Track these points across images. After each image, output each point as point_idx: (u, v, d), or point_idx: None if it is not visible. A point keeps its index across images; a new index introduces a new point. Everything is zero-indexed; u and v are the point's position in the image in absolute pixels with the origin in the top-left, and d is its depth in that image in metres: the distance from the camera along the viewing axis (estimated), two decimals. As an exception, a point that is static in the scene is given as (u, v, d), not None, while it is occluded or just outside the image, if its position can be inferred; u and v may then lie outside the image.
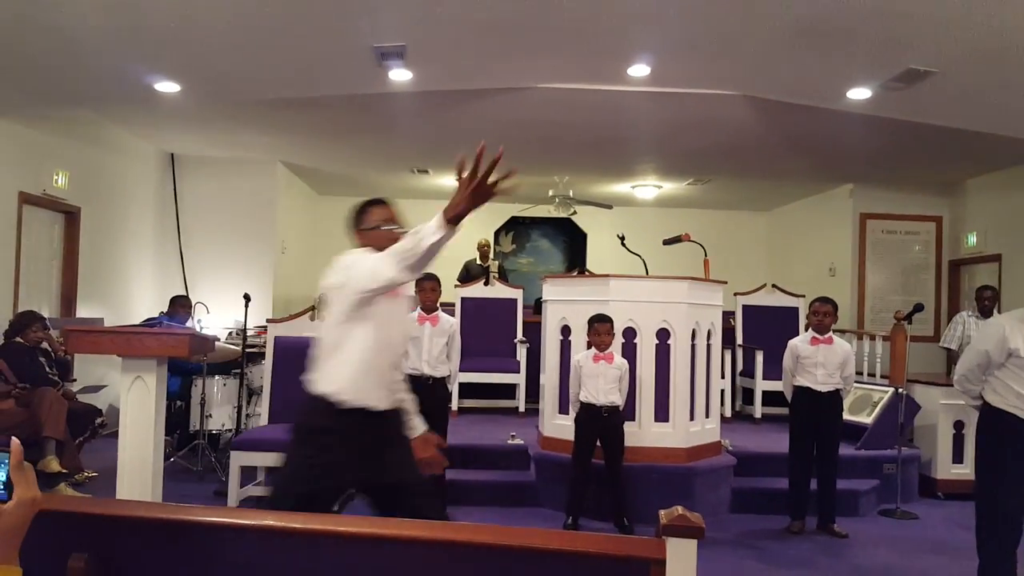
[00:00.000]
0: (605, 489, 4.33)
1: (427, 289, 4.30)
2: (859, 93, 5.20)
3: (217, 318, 6.96)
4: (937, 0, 3.71)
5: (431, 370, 4.20)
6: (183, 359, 3.74)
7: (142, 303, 7.56)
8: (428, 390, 4.19)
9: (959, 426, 5.30)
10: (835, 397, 4.43)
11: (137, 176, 7.59)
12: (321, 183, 9.88)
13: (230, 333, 6.96)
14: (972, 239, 8.41)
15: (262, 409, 4.71)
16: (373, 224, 2.48)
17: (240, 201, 8.33)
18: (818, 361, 4.39)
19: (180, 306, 6.17)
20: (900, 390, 5.08)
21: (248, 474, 4.50)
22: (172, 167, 8.21)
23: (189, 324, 6.07)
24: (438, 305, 4.37)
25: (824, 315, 4.45)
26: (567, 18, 4.22)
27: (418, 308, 4.31)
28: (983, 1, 3.68)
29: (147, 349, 2.94)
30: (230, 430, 5.29)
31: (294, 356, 4.71)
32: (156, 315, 6.40)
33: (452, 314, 5.75)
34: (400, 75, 5.10)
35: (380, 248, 2.32)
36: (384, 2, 4.00)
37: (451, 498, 4.46)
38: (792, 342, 4.53)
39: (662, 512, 1.27)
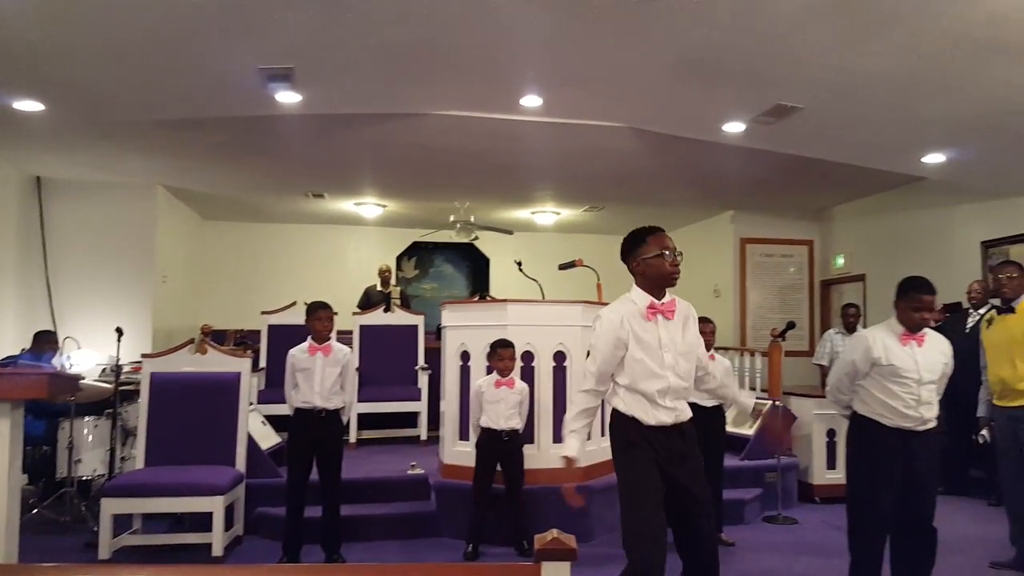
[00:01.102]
0: (506, 514, 4.32)
1: (321, 318, 4.17)
2: (734, 127, 5.53)
3: (89, 354, 6.46)
4: (799, 43, 4.01)
5: (324, 402, 4.06)
6: (45, 401, 3.43)
7: (2, 340, 6.91)
8: (320, 423, 4.06)
9: (831, 434, 5.67)
10: (719, 411, 4.61)
11: (-5, 201, 6.99)
12: (207, 208, 9.46)
13: (103, 370, 6.48)
14: (840, 261, 9.10)
15: (138, 451, 4.40)
16: (653, 253, 2.70)
17: (115, 227, 7.83)
18: (703, 378, 4.57)
19: (45, 342, 5.68)
20: (777, 403, 5.37)
21: (122, 523, 4.18)
22: (38, 191, 7.61)
23: (56, 361, 5.60)
24: (331, 335, 4.25)
25: (707, 334, 4.64)
26: (457, 47, 4.27)
27: (309, 338, 4.18)
28: (838, 45, 4.02)
29: (-1, 391, 2.66)
30: (102, 475, 4.90)
31: (172, 393, 4.46)
32: (17, 353, 5.87)
33: (348, 343, 5.61)
34: (288, 97, 4.97)
35: (653, 277, 2.70)
36: (268, 24, 3.90)
37: (348, 534, 4.30)
38: (679, 361, 4.69)
39: (536, 536, 1.27)
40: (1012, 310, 3.99)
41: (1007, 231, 6.76)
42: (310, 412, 4.05)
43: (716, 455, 4.59)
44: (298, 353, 4.15)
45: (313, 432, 4.07)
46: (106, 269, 7.73)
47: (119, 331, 5.19)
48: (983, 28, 3.64)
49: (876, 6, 3.53)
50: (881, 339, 3.19)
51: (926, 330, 3.20)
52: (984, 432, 4.23)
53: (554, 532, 1.29)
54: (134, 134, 6.13)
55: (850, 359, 3.27)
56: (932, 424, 3.20)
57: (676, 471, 2.67)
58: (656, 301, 2.72)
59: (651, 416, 2.68)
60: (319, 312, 4.17)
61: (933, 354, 3.19)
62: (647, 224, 2.85)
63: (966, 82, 4.36)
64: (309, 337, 4.17)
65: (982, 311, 5.69)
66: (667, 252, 2.69)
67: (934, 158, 5.99)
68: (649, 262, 2.72)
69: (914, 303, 3.14)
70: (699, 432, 4.51)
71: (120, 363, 5.20)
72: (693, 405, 4.50)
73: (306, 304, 4.37)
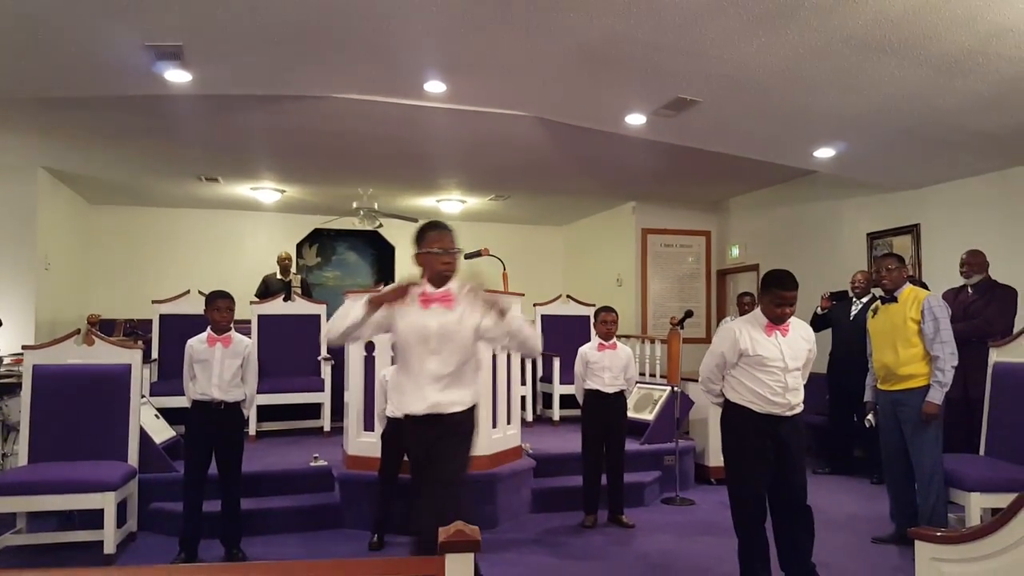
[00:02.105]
0: (411, 503, 4.31)
1: (219, 308, 4.03)
2: (636, 119, 5.68)
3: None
4: (696, 36, 4.11)
5: (223, 395, 3.94)
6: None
7: None
8: (219, 416, 3.94)
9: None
10: (620, 397, 4.79)
11: None
12: (94, 191, 8.90)
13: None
14: (735, 251, 9.54)
15: (20, 447, 4.14)
16: (429, 248, 2.86)
17: (-10, 212, 7.26)
18: (605, 365, 4.72)
19: (-92, 334, 5.22)
20: (676, 388, 5.60)
21: (5, 522, 3.95)
22: (-103, 171, 6.96)
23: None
24: (231, 325, 4.12)
25: (610, 323, 4.81)
26: (358, 30, 4.17)
27: (208, 329, 4.03)
28: (733, 39, 4.15)
29: None
30: (-21, 475, 4.57)
31: (58, 386, 4.22)
32: None
33: (247, 332, 5.43)
34: (178, 76, 4.72)
35: (428, 270, 2.85)
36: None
37: (249, 528, 4.22)
38: (582, 349, 4.83)
39: (440, 529, 1.28)
40: (895, 299, 4.22)
41: (890, 224, 7.25)
42: (208, 404, 3.93)
43: (618, 440, 4.77)
44: (196, 343, 4.01)
45: (211, 425, 3.95)
46: (-20, 256, 7.17)
47: (-5, 322, 4.85)
48: (871, 28, 3.85)
49: (770, 1, 3.68)
50: (747, 331, 3.35)
51: (791, 319, 3.37)
52: (870, 416, 4.45)
53: (458, 524, 1.30)
54: (11, 113, 5.69)
55: (719, 351, 3.42)
56: (799, 409, 3.39)
57: (428, 456, 2.87)
58: (430, 290, 2.87)
59: (409, 406, 2.91)
60: (217, 302, 4.04)
61: (797, 341, 3.37)
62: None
63: (854, 79, 4.57)
64: (208, 327, 4.04)
65: (865, 299, 6.09)
66: (441, 250, 2.86)
67: (824, 152, 6.31)
68: (426, 256, 2.88)
69: (776, 299, 3.30)
70: (602, 418, 4.73)
71: (-2, 355, 4.87)
72: (596, 392, 4.72)
73: (201, 293, 4.21)
